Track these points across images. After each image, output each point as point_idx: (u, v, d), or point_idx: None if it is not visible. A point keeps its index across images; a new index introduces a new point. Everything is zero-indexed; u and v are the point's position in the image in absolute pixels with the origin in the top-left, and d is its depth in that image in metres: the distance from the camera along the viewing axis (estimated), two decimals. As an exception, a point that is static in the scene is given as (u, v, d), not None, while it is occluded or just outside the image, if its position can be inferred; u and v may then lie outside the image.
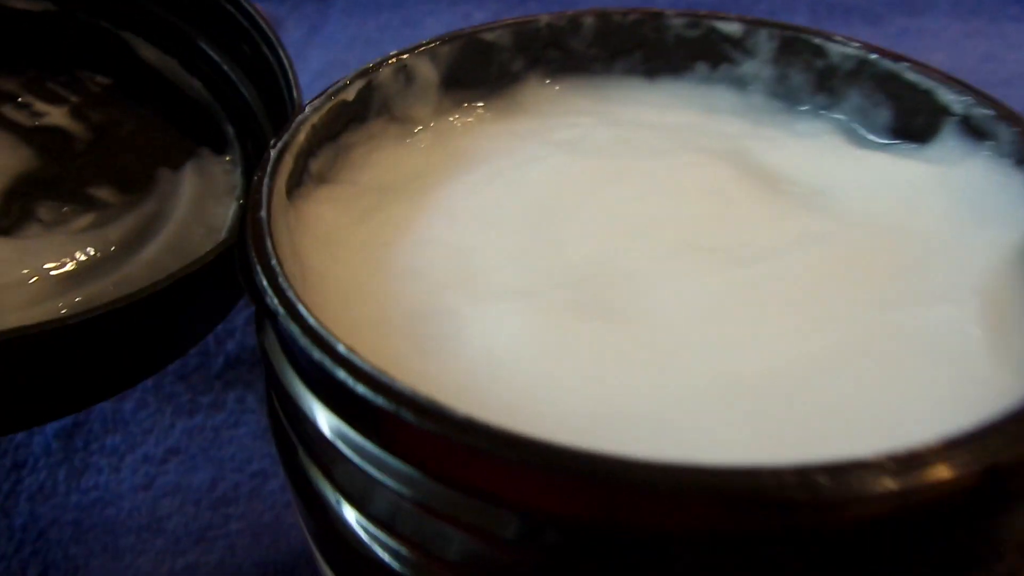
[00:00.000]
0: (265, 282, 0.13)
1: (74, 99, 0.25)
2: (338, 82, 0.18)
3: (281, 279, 0.13)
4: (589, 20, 0.21)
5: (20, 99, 0.25)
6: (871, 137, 0.19)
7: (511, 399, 0.12)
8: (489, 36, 0.20)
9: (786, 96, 0.21)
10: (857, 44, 0.19)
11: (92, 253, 0.20)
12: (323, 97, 0.17)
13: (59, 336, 0.16)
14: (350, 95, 0.18)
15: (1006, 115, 0.16)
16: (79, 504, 0.24)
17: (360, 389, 0.11)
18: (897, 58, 0.18)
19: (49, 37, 0.26)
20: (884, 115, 0.19)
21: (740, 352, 0.13)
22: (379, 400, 0.11)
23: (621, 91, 0.21)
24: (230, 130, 0.24)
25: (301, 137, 0.16)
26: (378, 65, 0.18)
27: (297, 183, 0.16)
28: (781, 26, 0.20)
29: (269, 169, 0.14)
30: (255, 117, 0.23)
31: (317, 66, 0.49)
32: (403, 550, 0.12)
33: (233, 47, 0.24)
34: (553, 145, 0.19)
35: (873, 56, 0.18)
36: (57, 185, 0.22)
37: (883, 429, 0.12)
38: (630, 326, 0.13)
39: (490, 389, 0.12)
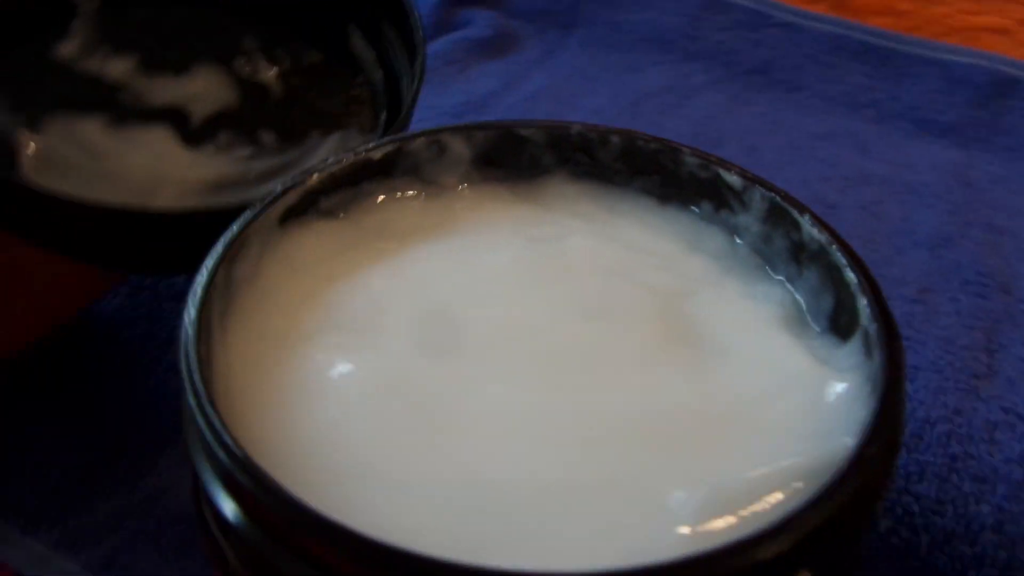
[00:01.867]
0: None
1: (286, 65, 0.32)
2: (370, 145, 0.22)
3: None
4: (616, 139, 0.23)
5: (251, 56, 0.32)
6: (811, 321, 0.19)
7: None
8: (524, 132, 0.23)
9: (768, 256, 0.21)
10: (824, 231, 0.19)
11: (237, 175, 0.28)
12: (352, 153, 0.22)
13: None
14: (376, 155, 0.22)
15: (888, 338, 0.16)
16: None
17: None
18: (847, 253, 0.18)
19: (298, 14, 0.33)
20: (827, 304, 0.19)
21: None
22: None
23: (631, 206, 0.23)
24: (383, 118, 0.30)
25: (314, 180, 0.21)
26: (414, 136, 0.22)
27: (300, 213, 0.21)
28: (772, 188, 0.20)
29: (261, 204, 0.19)
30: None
31: (531, 88, 0.54)
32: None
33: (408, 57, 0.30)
34: (527, 238, 0.22)
35: (832, 245, 0.19)
36: (240, 122, 0.30)
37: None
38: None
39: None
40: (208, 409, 0.14)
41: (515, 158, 0.24)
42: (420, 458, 0.15)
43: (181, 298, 0.45)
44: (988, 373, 0.36)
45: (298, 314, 0.18)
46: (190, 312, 0.16)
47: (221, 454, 0.13)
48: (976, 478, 0.32)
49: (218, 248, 0.18)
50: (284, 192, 0.20)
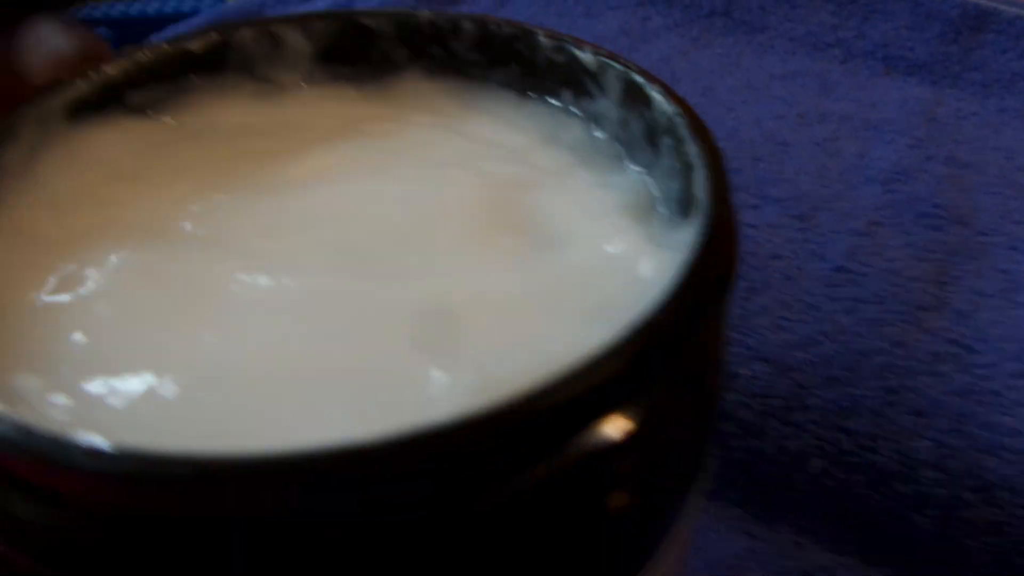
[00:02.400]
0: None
1: None
2: (191, 32, 0.20)
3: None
4: (468, 25, 0.21)
5: None
6: (661, 207, 0.17)
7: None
8: (370, 22, 0.21)
9: (627, 144, 0.19)
10: (673, 103, 0.17)
11: None
12: (167, 42, 0.19)
13: None
14: (196, 46, 0.20)
15: (714, 207, 0.13)
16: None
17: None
18: (692, 123, 0.16)
19: None
20: (676, 187, 0.17)
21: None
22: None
23: (491, 103, 0.21)
24: None
25: (113, 69, 0.18)
26: (239, 25, 0.20)
27: (99, 107, 0.19)
28: (626, 64, 0.18)
29: (40, 89, 0.17)
30: None
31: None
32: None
33: None
34: (359, 133, 0.19)
35: (678, 116, 0.16)
36: None
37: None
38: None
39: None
40: None
41: (362, 53, 0.21)
42: (161, 346, 0.13)
43: None
44: (936, 305, 0.34)
45: (75, 213, 0.16)
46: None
47: None
48: (915, 411, 0.29)
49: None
50: (72, 81, 0.18)
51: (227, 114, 0.20)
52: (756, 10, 0.58)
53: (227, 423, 0.12)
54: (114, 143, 0.18)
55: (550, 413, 0.11)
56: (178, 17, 0.63)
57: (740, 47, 0.56)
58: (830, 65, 0.54)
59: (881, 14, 0.58)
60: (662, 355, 0.12)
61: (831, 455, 0.30)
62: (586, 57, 0.19)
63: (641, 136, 0.18)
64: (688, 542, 0.17)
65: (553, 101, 0.20)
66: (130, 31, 0.61)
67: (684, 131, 0.16)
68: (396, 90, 0.21)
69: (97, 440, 0.11)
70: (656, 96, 0.17)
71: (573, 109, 0.20)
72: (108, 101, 0.19)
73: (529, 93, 0.20)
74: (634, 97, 0.18)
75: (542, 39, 0.20)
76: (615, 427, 0.11)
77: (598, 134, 0.19)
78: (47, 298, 0.14)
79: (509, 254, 0.15)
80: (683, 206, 0.16)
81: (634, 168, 0.18)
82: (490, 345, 0.13)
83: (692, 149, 0.15)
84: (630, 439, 0.11)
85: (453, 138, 0.19)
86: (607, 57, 0.18)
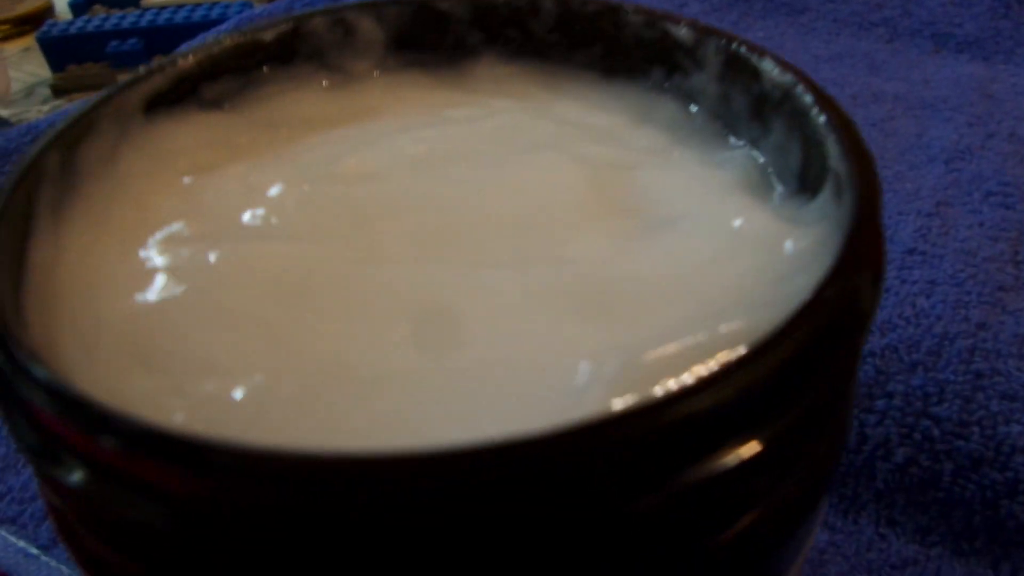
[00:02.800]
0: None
1: None
2: (262, 22, 0.19)
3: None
4: (549, 5, 0.20)
5: None
6: (777, 182, 0.16)
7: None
8: (444, 6, 0.20)
9: (728, 120, 0.18)
10: (787, 72, 0.16)
11: None
12: (237, 32, 0.19)
13: None
14: (267, 36, 0.19)
15: (859, 178, 0.12)
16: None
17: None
18: (815, 92, 0.15)
19: None
20: (795, 159, 0.16)
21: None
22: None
23: (573, 84, 0.20)
24: None
25: (188, 61, 0.18)
26: (312, 14, 0.19)
27: (174, 101, 0.18)
28: (728, 38, 0.17)
29: (120, 84, 0.16)
30: None
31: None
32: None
33: None
34: (444, 120, 0.18)
35: (797, 87, 0.15)
36: None
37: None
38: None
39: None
40: None
41: (437, 38, 0.21)
42: (282, 346, 0.12)
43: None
44: (1016, 285, 0.33)
45: (158, 205, 0.16)
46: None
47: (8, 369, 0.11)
48: (1005, 396, 0.28)
49: (51, 131, 0.15)
50: (148, 74, 0.17)
51: (300, 105, 0.19)
52: (802, -6, 0.57)
53: (356, 421, 0.11)
54: (191, 136, 0.18)
55: (715, 411, 0.10)
56: (206, 25, 0.63)
57: (781, 29, 0.55)
58: (876, 44, 0.53)
59: (926, -10, 0.57)
60: (821, 354, 0.10)
61: (917, 443, 0.28)
62: (681, 32, 0.18)
63: (746, 110, 0.17)
64: (807, 553, 0.16)
65: (642, 79, 0.19)
66: (158, 40, 0.60)
67: (806, 101, 0.15)
68: (472, 75, 0.21)
69: (225, 439, 0.10)
70: (767, 67, 0.16)
71: (666, 87, 0.19)
72: (183, 94, 0.18)
73: (615, 72, 0.20)
74: (738, 70, 0.17)
75: (630, 16, 0.19)
76: (759, 437, 0.10)
77: (695, 111, 0.18)
78: (144, 295, 0.14)
79: (622, 237, 0.14)
80: (804, 180, 0.15)
81: (738, 144, 0.17)
82: (629, 329, 0.12)
83: (820, 120, 0.14)
84: (774, 448, 0.10)
85: (540, 122, 0.18)
86: (705, 31, 0.17)
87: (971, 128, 0.44)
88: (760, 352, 0.10)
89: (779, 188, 0.16)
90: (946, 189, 0.38)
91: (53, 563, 0.29)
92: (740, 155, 0.17)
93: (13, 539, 0.30)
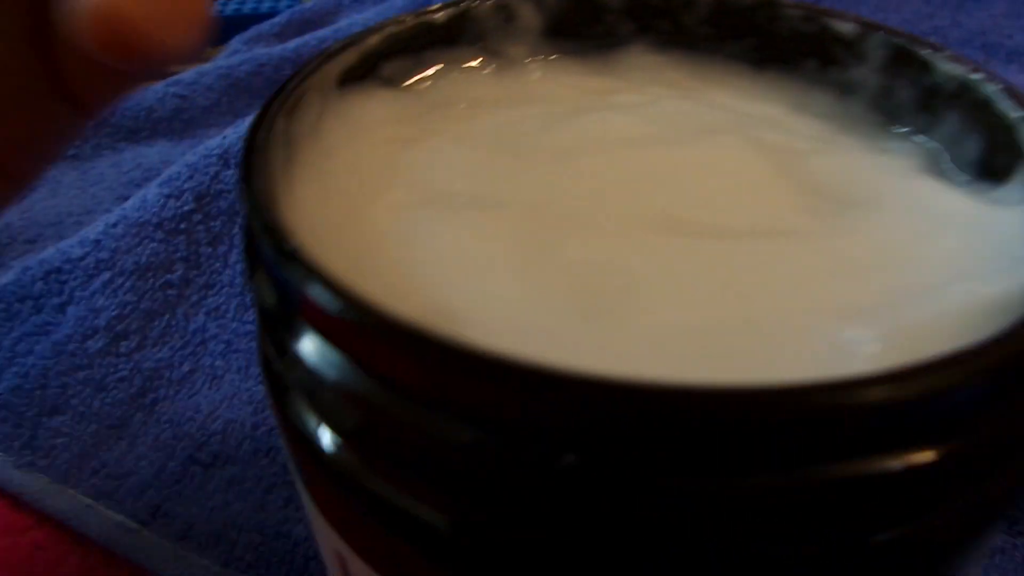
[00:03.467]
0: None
1: None
2: (433, 5, 0.20)
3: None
4: (705, -2, 0.20)
5: None
6: (953, 171, 0.17)
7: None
8: (601, -4, 0.21)
9: (888, 111, 0.19)
10: (965, 63, 0.16)
11: None
12: (412, 14, 0.19)
13: None
14: (439, 18, 0.20)
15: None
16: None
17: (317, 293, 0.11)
18: (997, 82, 0.16)
19: None
20: (972, 147, 0.16)
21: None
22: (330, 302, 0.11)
23: (724, 75, 0.21)
24: None
25: (374, 40, 0.18)
26: (479, 0, 0.20)
27: (360, 77, 0.19)
28: (894, 33, 0.18)
29: (318, 59, 0.17)
30: None
31: None
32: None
33: None
34: (611, 105, 0.19)
35: (975, 77, 0.16)
36: None
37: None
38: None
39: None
40: (271, 220, 0.12)
41: (590, 27, 0.21)
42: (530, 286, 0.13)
43: (217, 242, 0.42)
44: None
45: (370, 174, 0.16)
46: (251, 149, 0.14)
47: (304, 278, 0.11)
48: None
49: (273, 102, 0.15)
50: (343, 48, 0.18)
51: (466, 85, 0.20)
52: (848, 1, 0.58)
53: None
54: (377, 111, 0.18)
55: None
56: (257, 18, 0.63)
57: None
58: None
59: (976, 2, 0.58)
60: None
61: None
62: (844, 26, 0.19)
63: (912, 102, 0.18)
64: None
65: (794, 70, 0.20)
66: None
67: (989, 92, 0.16)
68: (622, 64, 0.21)
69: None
70: (939, 60, 0.17)
71: (819, 78, 0.20)
72: (367, 72, 0.19)
73: (765, 64, 0.20)
74: (904, 63, 0.18)
75: (788, 10, 0.20)
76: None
77: (852, 102, 0.19)
78: (376, 255, 0.14)
79: (829, 220, 0.15)
80: (985, 168, 0.16)
81: (902, 133, 0.18)
82: (875, 297, 0.13)
83: (1007, 106, 0.15)
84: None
85: (703, 108, 0.19)
86: (869, 26, 0.18)
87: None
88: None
89: (961, 175, 0.17)
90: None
91: (154, 537, 0.29)
92: (908, 144, 0.18)
93: (111, 513, 0.30)
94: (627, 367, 0.11)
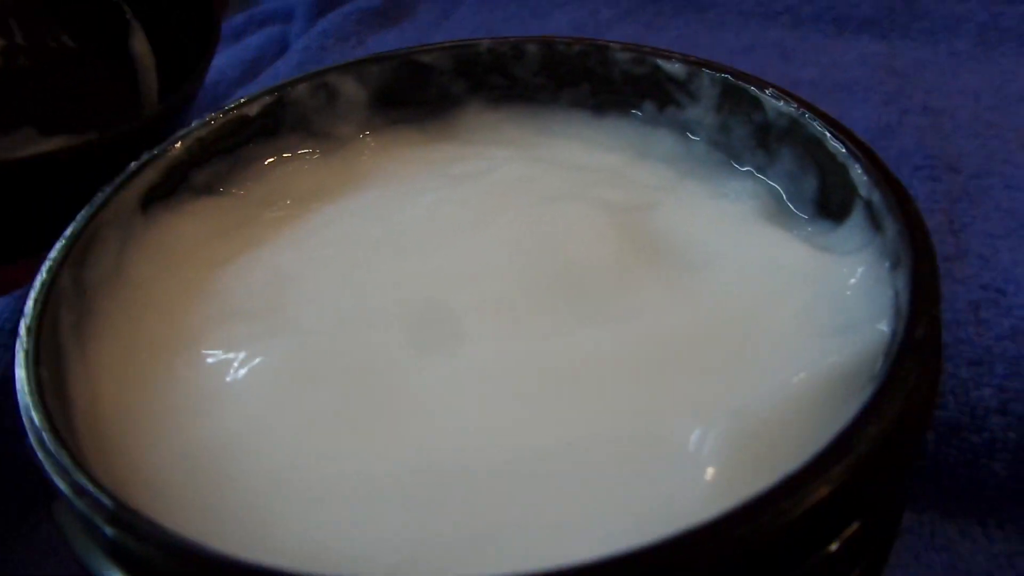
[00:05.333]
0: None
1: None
2: (243, 97, 0.18)
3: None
4: (533, 48, 0.20)
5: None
6: (794, 209, 0.17)
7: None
8: (426, 59, 0.20)
9: (728, 149, 0.18)
10: (792, 100, 0.16)
11: None
12: (220, 112, 0.18)
13: None
14: (252, 110, 0.18)
15: (898, 202, 0.13)
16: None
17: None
18: (826, 121, 0.15)
19: None
20: (810, 186, 0.16)
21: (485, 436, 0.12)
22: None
23: (564, 125, 0.20)
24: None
25: (178, 149, 0.17)
26: (294, 82, 0.19)
27: (168, 193, 0.17)
28: (722, 69, 0.18)
29: (113, 185, 0.15)
30: None
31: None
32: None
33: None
34: (450, 178, 0.18)
35: (805, 115, 0.16)
36: None
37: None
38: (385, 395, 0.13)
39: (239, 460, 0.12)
40: (54, 448, 0.10)
41: (420, 92, 0.20)
42: (361, 450, 0.12)
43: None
44: (957, 254, 0.35)
45: (179, 310, 0.15)
46: (24, 329, 0.12)
47: (78, 502, 0.10)
48: (971, 362, 0.30)
49: (58, 247, 0.14)
50: (140, 168, 0.16)
51: (294, 178, 0.19)
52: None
53: (452, 536, 0.11)
54: (191, 228, 0.17)
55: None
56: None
57: (693, 26, 0.56)
58: (783, 32, 0.55)
59: (820, -25, 0.59)
60: (924, 404, 0.11)
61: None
62: (671, 66, 0.18)
63: (749, 140, 0.18)
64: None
65: (636, 113, 0.19)
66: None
67: (816, 129, 0.15)
68: (460, 125, 0.20)
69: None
70: (767, 98, 0.17)
71: (660, 120, 0.19)
72: (177, 184, 0.17)
73: (605, 109, 0.20)
74: (736, 100, 0.17)
75: (617, 53, 0.19)
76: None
77: (694, 141, 0.19)
78: (193, 420, 0.13)
79: (669, 284, 0.15)
80: (823, 206, 0.16)
81: (743, 171, 0.18)
82: (719, 384, 0.12)
83: (835, 147, 0.15)
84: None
85: (545, 168, 0.18)
86: (697, 63, 0.18)
87: (887, 106, 0.46)
88: (879, 398, 0.10)
89: (800, 215, 0.16)
90: (878, 168, 0.40)
91: None
92: (750, 183, 0.17)
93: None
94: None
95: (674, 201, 0.17)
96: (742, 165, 0.18)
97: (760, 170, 0.17)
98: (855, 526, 0.10)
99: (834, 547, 0.10)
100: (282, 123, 0.19)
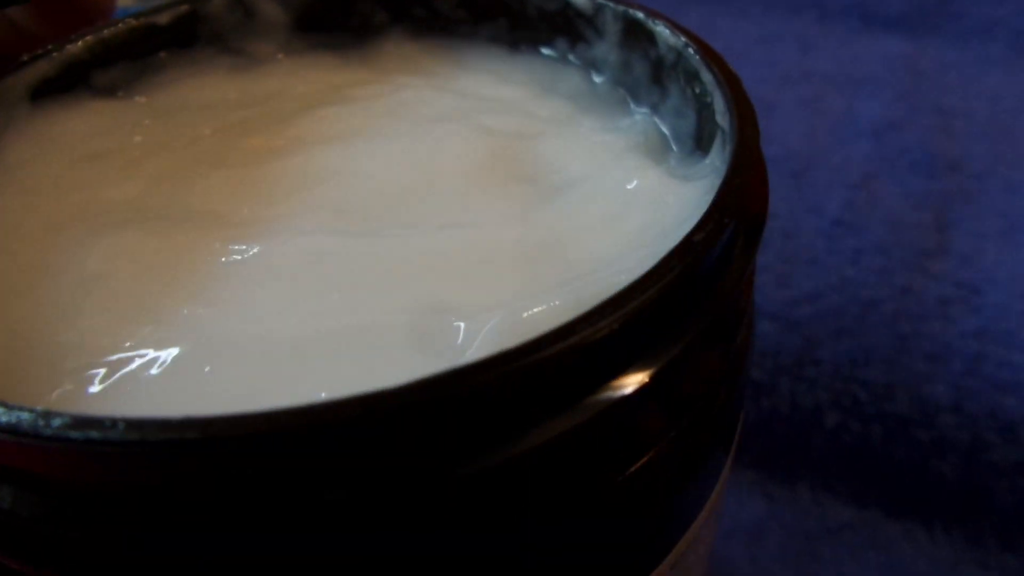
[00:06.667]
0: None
1: None
2: (157, 6, 0.19)
3: None
4: (452, -21, 0.20)
5: None
6: (674, 147, 0.16)
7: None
8: (346, -16, 0.20)
9: (629, 87, 0.18)
10: (680, 33, 0.16)
11: None
12: (132, 16, 0.18)
13: None
14: (163, 19, 0.19)
15: (738, 127, 0.12)
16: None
17: None
18: (706, 54, 0.15)
19: None
20: (689, 121, 0.16)
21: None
22: None
23: (479, 60, 0.20)
24: None
25: (77, 47, 0.17)
26: (210, -4, 0.19)
27: (64, 88, 0.17)
28: (624, 3, 0.17)
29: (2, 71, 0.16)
30: None
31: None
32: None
33: None
34: (347, 99, 0.18)
35: (688, 48, 0.15)
36: None
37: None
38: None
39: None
40: None
41: (342, 18, 0.20)
42: (163, 323, 0.12)
43: None
44: (939, 251, 0.33)
45: (44, 195, 0.15)
46: None
47: None
48: (929, 356, 0.29)
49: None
50: (33, 59, 0.17)
51: (200, 90, 0.19)
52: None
53: (238, 393, 0.11)
54: (81, 124, 0.17)
55: (574, 356, 0.10)
56: None
57: (715, 14, 0.55)
58: (807, 25, 0.54)
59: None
60: (694, 293, 0.11)
61: (846, 407, 0.29)
62: (579, 1, 0.18)
63: (646, 76, 0.17)
64: (720, 508, 0.16)
65: (547, 51, 0.19)
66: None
67: (695, 62, 0.15)
68: (379, 54, 0.20)
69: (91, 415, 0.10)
70: (661, 31, 0.16)
71: (570, 58, 0.19)
72: (74, 82, 0.18)
73: (520, 46, 0.20)
74: (635, 36, 0.17)
75: (531, -13, 0.19)
76: (642, 375, 0.10)
77: (598, 80, 0.18)
78: (37, 290, 0.13)
79: (520, 203, 0.14)
80: (699, 141, 0.15)
81: (639, 111, 0.17)
82: (513, 294, 0.12)
83: (707, 78, 0.14)
84: (659, 387, 0.10)
85: (445, 96, 0.18)
86: (602, -2, 0.17)
87: (898, 103, 0.45)
88: (635, 289, 0.10)
89: (677, 151, 0.16)
90: (872, 162, 0.39)
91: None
92: (641, 121, 0.17)
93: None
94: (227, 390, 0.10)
95: (561, 133, 0.17)
96: (640, 104, 0.18)
97: (654, 108, 0.17)
98: (640, 378, 0.10)
99: (615, 396, 0.09)
100: (196, 36, 0.19)
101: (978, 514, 0.28)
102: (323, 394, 0.10)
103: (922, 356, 0.29)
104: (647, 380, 0.10)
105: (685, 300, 0.10)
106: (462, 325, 0.11)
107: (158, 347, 0.12)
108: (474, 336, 0.11)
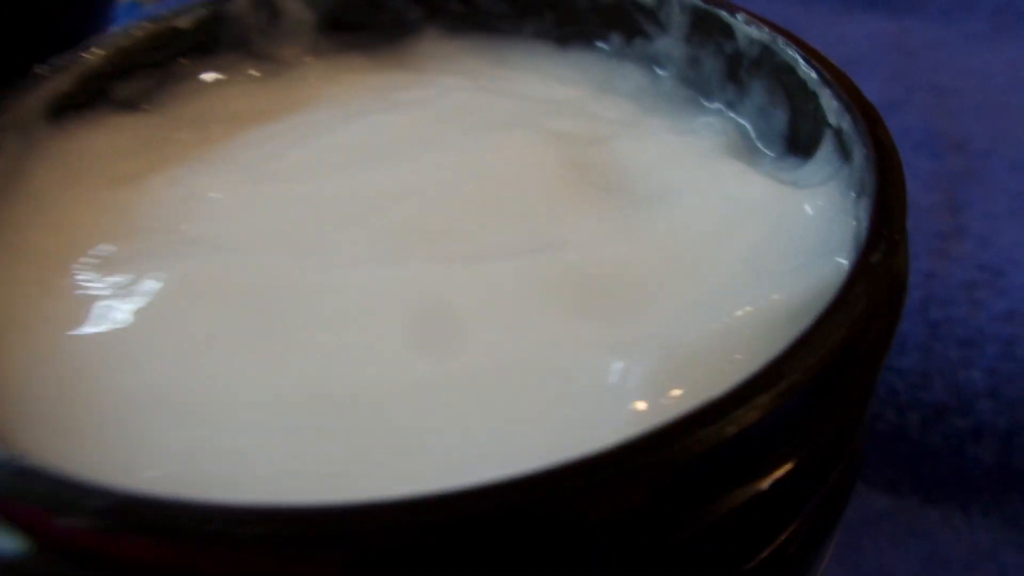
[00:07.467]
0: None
1: None
2: (176, 9, 0.17)
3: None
4: (493, -28, 0.18)
5: None
6: (762, 147, 0.15)
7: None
8: (378, -21, 0.18)
9: (697, 84, 0.17)
10: (764, 25, 0.15)
11: None
12: (149, 20, 0.17)
13: None
14: (183, 23, 0.17)
15: (868, 127, 0.12)
16: None
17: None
18: (800, 46, 0.14)
19: None
20: (780, 120, 0.15)
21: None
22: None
23: (525, 57, 0.19)
24: None
25: (95, 58, 0.15)
26: (232, -4, 0.17)
27: (83, 104, 0.16)
28: (693, -5, 0.16)
29: (15, 88, 0.14)
30: None
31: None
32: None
33: None
34: (393, 103, 0.17)
35: (778, 41, 0.14)
36: None
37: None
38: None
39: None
40: None
41: (372, 17, 0.19)
42: (250, 373, 0.11)
43: None
44: (956, 233, 0.33)
45: (75, 224, 0.13)
46: None
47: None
48: (962, 342, 0.28)
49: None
50: (53, 72, 0.15)
51: (228, 99, 0.17)
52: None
53: (358, 451, 0.10)
54: (106, 143, 0.15)
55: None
56: None
57: (697, -3, 0.55)
58: (789, 7, 0.53)
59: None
60: (876, 337, 0.09)
61: (882, 397, 0.29)
62: (640, -8, 0.17)
63: (719, 72, 0.16)
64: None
65: (601, 46, 0.18)
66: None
67: (788, 57, 0.14)
68: (414, 54, 0.19)
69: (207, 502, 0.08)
70: (739, 24, 0.15)
71: (626, 53, 0.18)
72: (93, 96, 0.16)
73: (569, 41, 0.18)
74: (707, 29, 0.16)
75: (583, -22, 0.17)
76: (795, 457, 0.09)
77: (662, 75, 0.17)
78: (73, 332, 0.12)
79: (615, 216, 0.13)
80: (794, 141, 0.14)
81: (712, 109, 0.16)
82: (652, 318, 0.11)
83: (807, 74, 0.13)
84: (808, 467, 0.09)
85: (498, 98, 0.17)
86: (667, -12, 0.16)
87: (893, 83, 0.44)
88: (814, 333, 0.09)
89: (768, 152, 0.15)
90: (878, 144, 0.39)
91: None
92: (716, 120, 0.16)
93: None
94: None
95: (632, 136, 0.16)
96: (711, 102, 0.16)
97: (730, 106, 0.16)
98: (789, 465, 0.09)
99: (764, 485, 0.08)
100: (219, 40, 0.18)
101: (1016, 498, 0.28)
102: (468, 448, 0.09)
103: (955, 342, 0.28)
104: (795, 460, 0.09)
105: (865, 347, 0.09)
106: (620, 366, 0.10)
107: (236, 408, 0.11)
108: (627, 375, 0.10)
